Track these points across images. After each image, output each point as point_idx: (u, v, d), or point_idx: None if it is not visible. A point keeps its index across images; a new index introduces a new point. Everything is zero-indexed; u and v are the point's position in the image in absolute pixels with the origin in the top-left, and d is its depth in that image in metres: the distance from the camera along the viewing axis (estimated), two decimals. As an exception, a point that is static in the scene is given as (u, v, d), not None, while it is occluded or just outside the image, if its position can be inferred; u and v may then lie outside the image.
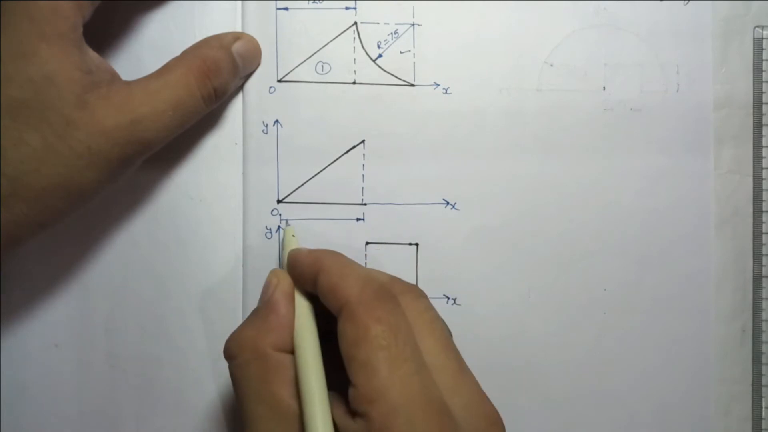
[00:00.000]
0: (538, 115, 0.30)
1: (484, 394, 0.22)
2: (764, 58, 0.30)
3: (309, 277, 0.23)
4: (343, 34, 0.29)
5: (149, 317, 0.29)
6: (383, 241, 0.29)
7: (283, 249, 0.26)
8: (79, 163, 0.23)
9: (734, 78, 0.30)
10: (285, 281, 0.24)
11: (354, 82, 0.29)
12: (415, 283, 0.29)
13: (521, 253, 0.30)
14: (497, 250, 0.30)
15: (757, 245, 0.31)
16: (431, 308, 0.23)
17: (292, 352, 0.23)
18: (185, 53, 0.26)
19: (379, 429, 0.20)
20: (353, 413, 0.21)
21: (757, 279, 0.31)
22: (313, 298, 0.24)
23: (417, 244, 0.29)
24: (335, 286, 0.22)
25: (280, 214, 0.29)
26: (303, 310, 0.24)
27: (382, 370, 0.20)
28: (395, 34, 0.29)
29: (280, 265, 0.28)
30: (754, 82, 0.30)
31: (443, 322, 0.23)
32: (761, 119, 0.30)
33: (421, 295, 0.24)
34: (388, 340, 0.21)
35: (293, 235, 0.27)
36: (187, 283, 0.29)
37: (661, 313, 0.30)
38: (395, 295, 0.22)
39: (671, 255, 0.30)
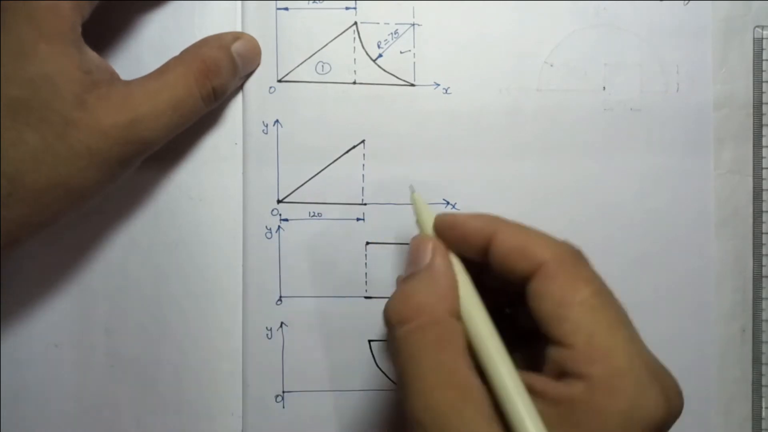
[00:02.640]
0: (538, 115, 0.30)
1: (665, 366, 0.21)
2: (764, 58, 0.30)
3: (477, 239, 0.22)
4: (343, 34, 0.29)
5: (149, 317, 0.29)
6: (383, 241, 0.29)
7: (419, 215, 0.24)
8: (79, 162, 0.23)
9: (734, 78, 0.30)
10: (440, 245, 0.23)
11: (354, 82, 0.29)
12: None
13: (521, 253, 0.30)
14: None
15: (757, 245, 0.31)
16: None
17: (458, 318, 0.21)
18: (185, 53, 0.26)
19: (606, 390, 0.19)
20: (559, 375, 0.20)
21: (757, 279, 0.31)
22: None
23: (417, 244, 0.29)
24: (524, 245, 0.21)
25: (280, 214, 0.29)
26: (463, 275, 0.22)
27: (602, 332, 0.19)
28: (395, 34, 0.29)
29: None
30: (754, 82, 0.30)
31: None
32: (761, 119, 0.30)
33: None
34: (601, 301, 0.20)
35: (424, 202, 0.25)
36: (187, 282, 0.29)
37: (661, 313, 0.30)
38: (587, 258, 0.22)
39: (671, 255, 0.30)
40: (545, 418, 0.19)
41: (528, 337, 0.22)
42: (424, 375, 0.20)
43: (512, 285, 0.22)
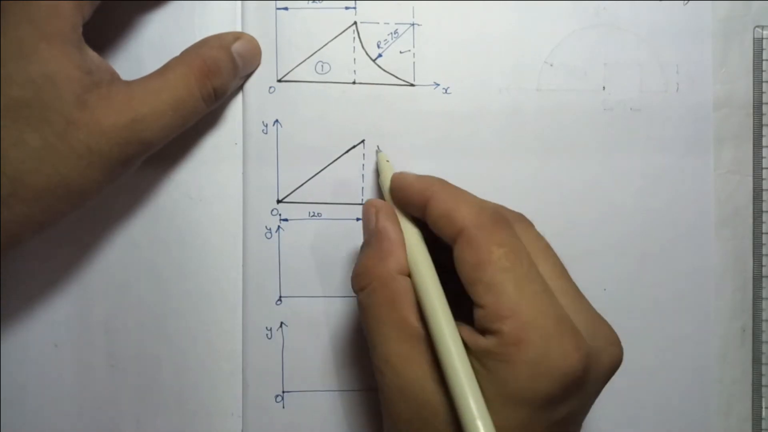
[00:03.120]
0: (538, 115, 0.30)
1: (601, 317, 0.23)
2: (764, 58, 0.30)
3: (417, 202, 0.24)
4: (342, 34, 0.29)
5: (149, 317, 0.29)
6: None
7: (380, 174, 0.26)
8: (79, 162, 0.23)
9: (734, 78, 0.30)
10: (385, 206, 0.25)
11: (354, 82, 0.29)
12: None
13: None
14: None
15: (757, 245, 0.31)
16: (542, 237, 0.24)
17: (407, 274, 0.23)
18: (185, 53, 0.26)
19: (513, 342, 0.20)
20: (482, 331, 0.21)
21: (757, 279, 0.31)
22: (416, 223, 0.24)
23: (417, 244, 0.29)
24: (450, 212, 0.22)
25: (279, 214, 0.29)
26: (411, 232, 0.24)
27: (509, 289, 0.21)
28: (395, 33, 0.29)
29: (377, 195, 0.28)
30: (754, 82, 0.30)
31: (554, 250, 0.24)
32: (761, 119, 0.30)
33: (531, 224, 0.24)
34: (512, 261, 0.21)
35: (387, 160, 0.27)
36: (187, 282, 0.29)
37: (661, 313, 0.30)
38: (510, 221, 0.23)
39: (671, 255, 0.30)
40: (472, 366, 0.21)
41: None
42: (381, 331, 0.23)
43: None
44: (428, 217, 0.23)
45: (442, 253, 0.23)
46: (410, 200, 0.24)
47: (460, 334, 0.21)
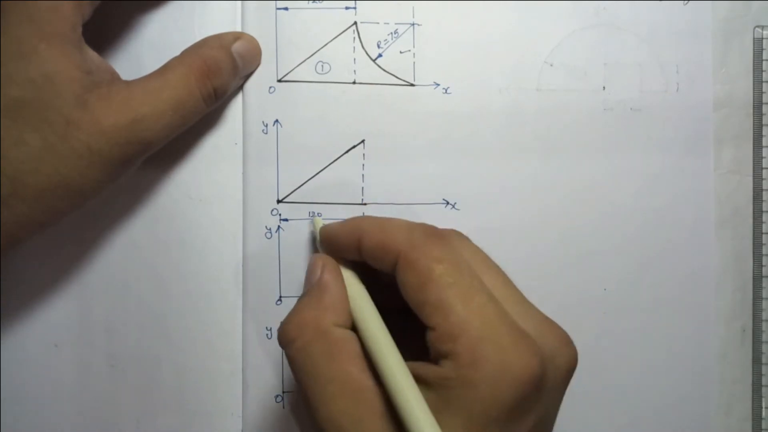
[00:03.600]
0: (538, 115, 0.30)
1: (550, 319, 0.22)
2: (764, 58, 0.30)
3: (351, 244, 0.23)
4: (343, 34, 0.29)
5: (149, 317, 0.29)
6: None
7: (317, 236, 0.26)
8: (80, 163, 0.23)
9: (734, 78, 0.30)
10: (329, 261, 0.24)
11: (354, 82, 0.29)
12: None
13: (521, 253, 0.30)
14: (497, 250, 0.30)
15: (757, 245, 0.31)
16: (480, 249, 0.23)
17: (350, 328, 0.22)
18: (185, 53, 0.26)
19: (469, 362, 0.19)
20: (435, 358, 0.20)
21: (757, 279, 0.31)
22: (357, 270, 0.24)
23: (417, 244, 0.29)
24: (382, 241, 0.22)
25: (279, 214, 0.29)
26: (353, 282, 0.24)
27: (456, 305, 0.20)
28: (395, 33, 0.29)
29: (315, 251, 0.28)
30: (754, 82, 0.30)
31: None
32: (761, 119, 0.30)
33: (466, 238, 0.24)
34: (454, 276, 0.21)
35: (321, 224, 0.27)
36: (187, 283, 0.29)
37: (661, 313, 0.30)
38: (444, 236, 0.22)
39: (671, 255, 0.30)
40: (430, 402, 0.19)
41: None
42: (319, 387, 0.21)
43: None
44: (364, 255, 0.23)
45: (382, 296, 0.23)
46: (342, 246, 0.24)
47: (415, 371, 0.20)
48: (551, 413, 0.22)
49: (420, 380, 0.20)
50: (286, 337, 0.22)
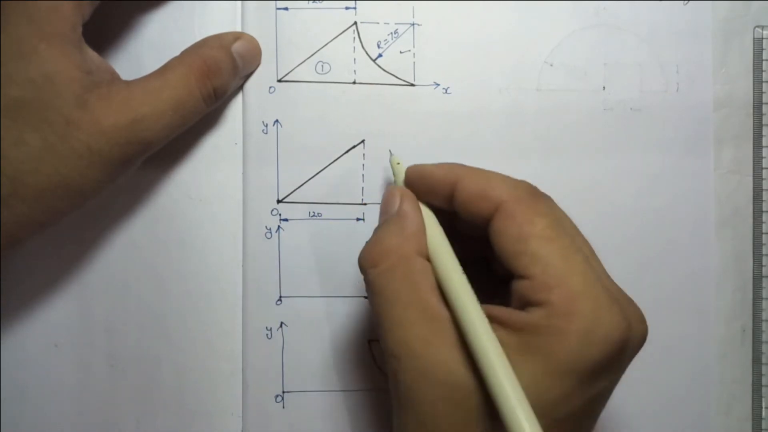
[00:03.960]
0: (538, 115, 0.30)
1: (628, 295, 0.23)
2: (764, 58, 0.30)
3: (442, 187, 0.23)
4: (343, 34, 0.29)
5: (149, 317, 0.29)
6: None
7: (394, 174, 0.27)
8: (79, 162, 0.23)
9: (734, 78, 0.30)
10: (407, 192, 0.24)
11: (354, 82, 0.29)
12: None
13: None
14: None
15: (757, 245, 0.31)
16: (569, 218, 0.23)
17: (427, 258, 0.23)
18: (185, 53, 0.26)
19: (564, 313, 0.20)
20: (523, 306, 0.21)
21: (757, 279, 0.31)
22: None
23: (417, 244, 0.29)
24: (483, 189, 0.22)
25: (279, 214, 0.29)
26: (430, 218, 0.24)
27: (556, 260, 0.20)
28: (395, 33, 0.29)
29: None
30: (754, 82, 0.30)
31: None
32: (761, 119, 0.30)
33: (557, 205, 0.24)
34: (557, 232, 0.21)
35: (398, 163, 0.27)
36: (187, 283, 0.29)
37: (661, 313, 0.30)
38: (546, 196, 0.23)
39: (671, 255, 0.30)
40: (509, 344, 0.20)
41: (505, 283, 0.23)
42: (397, 311, 0.22)
43: (481, 230, 0.23)
44: (458, 199, 0.23)
45: (456, 246, 0.23)
46: (434, 187, 0.24)
47: (495, 313, 0.21)
48: (614, 385, 0.22)
49: (500, 322, 0.21)
50: (369, 261, 0.23)
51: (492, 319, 0.21)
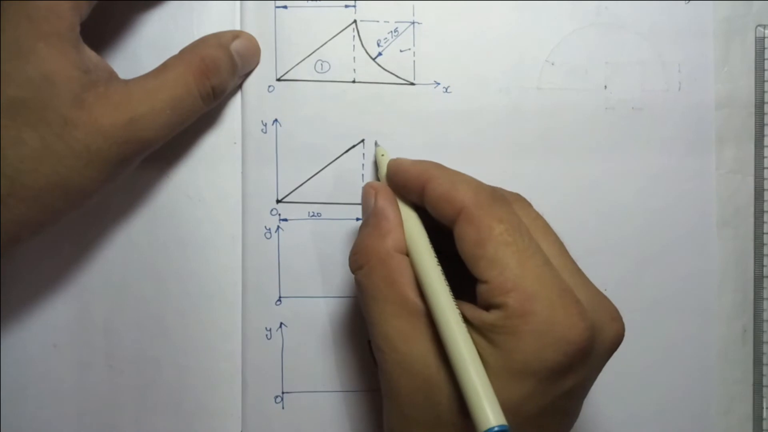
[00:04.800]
0: (538, 114, 0.30)
1: (602, 293, 0.23)
2: (766, 57, 0.30)
3: (415, 185, 0.24)
4: (342, 33, 0.29)
5: (148, 317, 0.29)
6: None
7: (378, 167, 0.27)
8: (78, 162, 0.23)
9: (736, 77, 0.30)
10: (383, 188, 0.25)
11: (354, 81, 0.29)
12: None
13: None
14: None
15: (758, 245, 0.30)
16: (541, 216, 0.24)
17: (404, 252, 0.24)
18: (184, 52, 0.26)
19: (519, 314, 0.20)
20: (485, 308, 0.21)
21: (759, 279, 0.30)
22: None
23: (417, 244, 0.29)
24: (448, 192, 0.23)
25: (279, 214, 0.29)
26: (408, 214, 0.24)
27: (512, 263, 0.21)
28: (395, 32, 0.29)
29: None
30: (755, 81, 0.30)
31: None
32: (763, 119, 0.30)
33: (529, 204, 0.25)
34: (513, 236, 0.21)
35: (383, 155, 0.27)
36: (186, 282, 0.29)
37: (662, 313, 0.30)
38: (508, 200, 0.23)
39: (672, 255, 0.30)
40: (476, 342, 0.21)
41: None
42: (379, 308, 0.23)
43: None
44: (426, 199, 0.23)
45: (438, 239, 0.24)
46: (407, 184, 0.24)
47: (463, 311, 0.21)
48: (587, 384, 0.23)
49: (467, 320, 0.21)
50: (354, 265, 0.24)
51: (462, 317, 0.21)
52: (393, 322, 0.22)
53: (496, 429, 0.19)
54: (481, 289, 0.21)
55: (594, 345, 0.21)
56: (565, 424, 0.23)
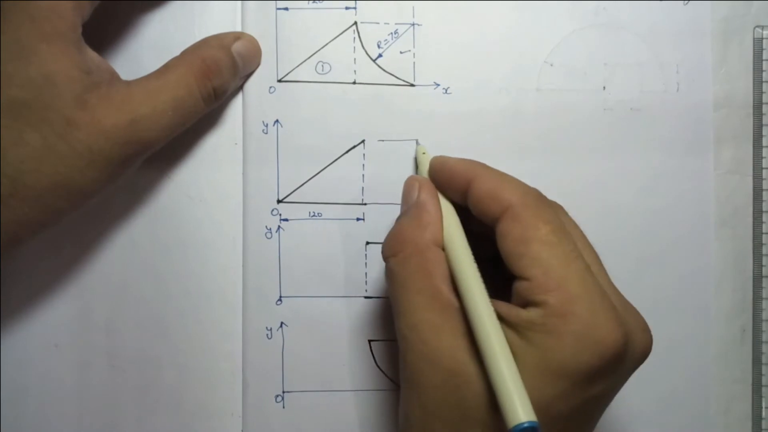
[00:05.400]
0: (538, 115, 0.30)
1: (632, 305, 0.23)
2: (764, 58, 0.30)
3: (460, 182, 0.24)
4: (343, 34, 0.29)
5: (149, 317, 0.29)
6: (383, 241, 0.29)
7: (418, 164, 0.28)
8: (79, 162, 0.23)
9: (734, 78, 0.30)
10: (427, 183, 0.25)
11: (354, 82, 0.29)
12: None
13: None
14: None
15: (756, 245, 0.31)
16: (579, 227, 0.24)
17: (442, 247, 0.24)
18: (185, 53, 0.26)
19: (559, 314, 0.20)
20: (523, 305, 0.21)
21: (757, 279, 0.31)
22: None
23: (417, 244, 0.29)
24: (495, 190, 0.23)
25: (280, 214, 0.29)
26: (448, 209, 0.25)
27: (556, 264, 0.21)
28: (395, 33, 0.29)
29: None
30: (753, 82, 0.30)
31: None
32: (761, 119, 0.30)
33: (567, 213, 0.25)
34: (558, 237, 0.22)
35: (424, 153, 0.27)
36: (187, 283, 0.29)
37: (661, 313, 0.30)
38: (553, 204, 0.24)
39: (671, 255, 0.30)
40: (509, 340, 0.21)
41: (511, 283, 0.23)
42: (410, 297, 0.23)
43: (491, 231, 0.23)
44: (472, 196, 0.24)
45: (473, 239, 0.24)
46: (452, 181, 0.24)
47: (498, 308, 0.21)
48: (614, 392, 0.23)
49: (501, 317, 0.21)
50: (389, 250, 0.24)
51: (497, 314, 0.21)
52: (423, 313, 0.22)
53: (525, 425, 0.18)
54: (521, 286, 0.21)
55: (627, 352, 0.21)
56: (586, 430, 0.23)
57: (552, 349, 0.20)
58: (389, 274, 0.24)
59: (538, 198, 0.23)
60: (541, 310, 0.21)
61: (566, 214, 0.25)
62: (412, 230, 0.24)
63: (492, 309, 0.21)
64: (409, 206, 0.25)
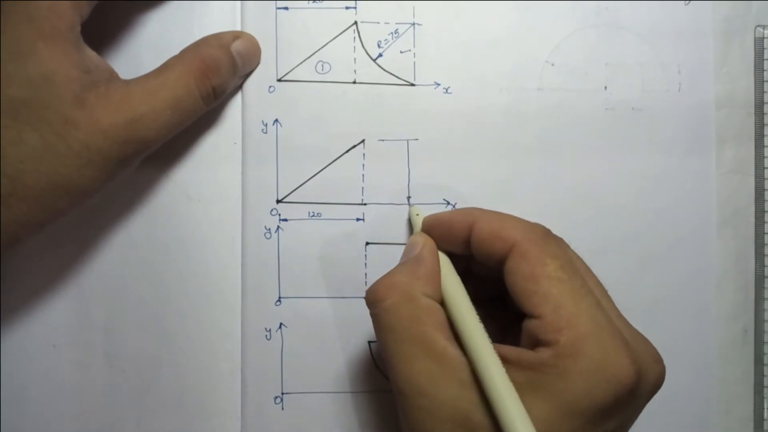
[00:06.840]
0: (539, 114, 0.30)
1: (643, 335, 0.23)
2: (765, 57, 0.30)
3: (460, 230, 0.24)
4: (343, 34, 0.29)
5: (148, 317, 0.29)
6: (383, 241, 0.29)
7: (413, 225, 0.28)
8: (78, 162, 0.23)
9: (735, 77, 0.30)
10: (430, 241, 0.25)
11: (354, 82, 0.29)
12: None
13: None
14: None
15: (759, 245, 0.30)
16: (582, 259, 0.24)
17: (440, 302, 0.23)
18: (184, 52, 0.26)
19: (571, 353, 0.20)
20: (532, 345, 0.21)
21: (759, 279, 0.30)
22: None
23: (417, 244, 0.29)
24: (499, 230, 0.23)
25: (279, 214, 0.29)
26: (447, 264, 0.24)
27: (566, 300, 0.21)
28: (395, 33, 0.29)
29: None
30: (755, 81, 0.30)
31: None
32: (762, 119, 0.30)
33: (568, 245, 0.24)
34: (568, 274, 0.21)
35: (417, 214, 0.27)
36: (186, 283, 0.29)
37: (662, 314, 0.30)
38: (558, 238, 0.23)
39: (672, 255, 0.30)
40: (518, 383, 0.20)
41: (518, 321, 0.23)
42: (403, 348, 0.22)
43: (495, 272, 0.23)
44: (474, 240, 0.23)
45: (476, 282, 0.24)
46: (451, 231, 0.24)
47: (506, 352, 0.21)
48: (628, 424, 0.22)
49: (509, 361, 0.21)
50: (375, 296, 0.23)
51: (502, 358, 0.21)
52: (418, 364, 0.21)
53: None
54: (532, 324, 0.21)
55: (640, 387, 0.21)
56: None
57: (565, 389, 0.20)
58: (377, 321, 0.23)
59: (543, 233, 0.23)
60: (552, 350, 0.20)
61: (569, 248, 0.24)
62: (403, 277, 0.23)
63: (498, 358, 0.21)
64: (407, 259, 0.25)
